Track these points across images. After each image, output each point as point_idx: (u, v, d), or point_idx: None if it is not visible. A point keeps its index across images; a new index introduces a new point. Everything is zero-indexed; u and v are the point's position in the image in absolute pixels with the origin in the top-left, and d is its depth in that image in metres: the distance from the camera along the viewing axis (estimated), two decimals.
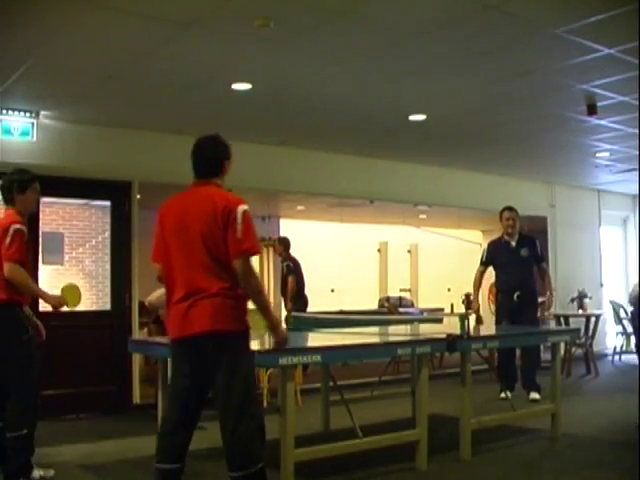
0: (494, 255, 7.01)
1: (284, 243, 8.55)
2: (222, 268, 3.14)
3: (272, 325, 3.34)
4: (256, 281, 3.21)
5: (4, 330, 4.00)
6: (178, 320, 3.18)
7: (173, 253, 3.24)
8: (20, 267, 3.96)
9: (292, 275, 8.30)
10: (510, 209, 6.96)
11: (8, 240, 3.93)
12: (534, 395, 6.58)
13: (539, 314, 7.20)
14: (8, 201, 4.21)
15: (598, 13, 4.19)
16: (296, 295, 8.31)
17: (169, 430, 3.25)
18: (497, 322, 6.90)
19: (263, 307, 3.22)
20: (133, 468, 4.54)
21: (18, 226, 3.99)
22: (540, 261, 6.95)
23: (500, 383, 6.51)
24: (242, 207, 3.20)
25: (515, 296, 6.70)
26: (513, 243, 6.87)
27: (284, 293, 8.52)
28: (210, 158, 3.43)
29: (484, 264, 7.10)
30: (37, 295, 4.25)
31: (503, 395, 6.33)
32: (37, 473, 4.03)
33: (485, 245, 7.44)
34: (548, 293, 6.92)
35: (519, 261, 6.77)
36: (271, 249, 11.97)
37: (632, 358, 9.82)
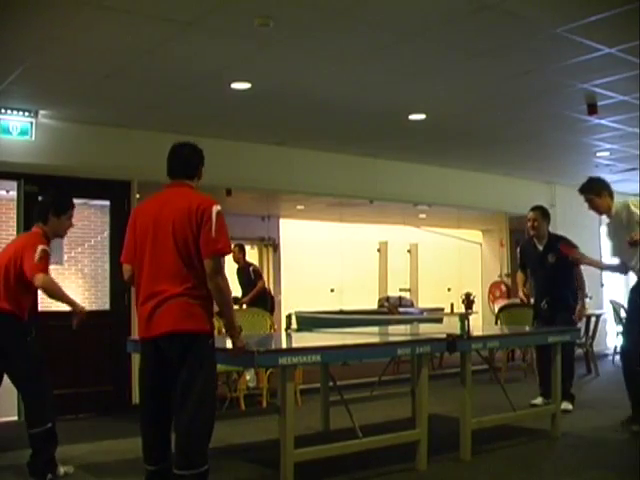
0: (525, 256, 6.47)
1: (243, 250, 8.65)
2: (190, 268, 3.18)
3: (231, 328, 3.32)
4: (224, 282, 3.22)
5: (10, 335, 4.12)
6: (144, 320, 3.22)
7: (143, 254, 3.28)
8: (50, 276, 4.12)
9: (261, 279, 8.57)
10: (534, 209, 6.32)
11: (37, 256, 4.01)
12: (566, 405, 5.95)
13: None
14: (40, 220, 4.26)
15: (598, 12, 4.19)
16: (260, 297, 8.40)
17: (145, 431, 3.33)
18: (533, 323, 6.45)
19: (227, 308, 3.25)
20: (132, 468, 4.53)
21: (45, 247, 4.10)
22: (573, 264, 6.07)
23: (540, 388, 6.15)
24: (216, 207, 3.25)
25: (543, 303, 6.19)
26: (540, 247, 6.24)
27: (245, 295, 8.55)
28: (188, 160, 3.55)
29: (523, 268, 6.49)
30: (69, 302, 4.30)
31: (535, 401, 6.15)
32: (62, 469, 4.19)
33: (518, 248, 6.80)
34: (579, 305, 6.24)
35: (546, 267, 6.14)
36: (271, 249, 12.00)
37: None
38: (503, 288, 11.75)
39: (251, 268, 8.56)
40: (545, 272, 6.17)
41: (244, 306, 8.18)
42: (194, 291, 3.18)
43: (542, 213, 6.30)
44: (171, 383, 3.20)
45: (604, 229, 5.74)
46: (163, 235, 3.23)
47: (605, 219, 5.64)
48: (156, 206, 3.39)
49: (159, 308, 3.17)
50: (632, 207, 5.10)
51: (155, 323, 3.17)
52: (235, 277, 8.39)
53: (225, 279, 3.24)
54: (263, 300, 8.40)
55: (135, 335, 6.57)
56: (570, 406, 6.04)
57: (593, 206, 5.48)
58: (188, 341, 3.16)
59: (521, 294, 6.37)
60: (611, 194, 5.40)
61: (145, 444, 3.32)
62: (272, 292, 8.75)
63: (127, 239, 3.42)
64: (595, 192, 5.40)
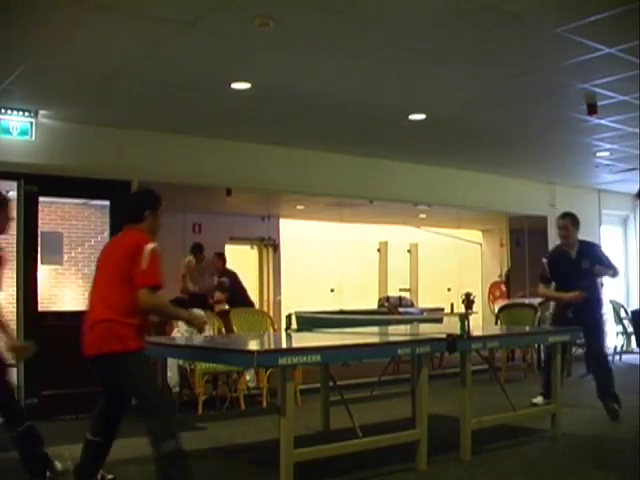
0: (553, 265, 6.12)
1: (223, 258, 8.68)
2: (121, 297, 3.59)
3: (186, 319, 3.99)
4: (157, 304, 3.67)
5: None
6: (82, 341, 3.68)
7: (95, 283, 3.80)
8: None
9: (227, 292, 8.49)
10: (563, 216, 6.12)
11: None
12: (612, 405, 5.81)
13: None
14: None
15: (598, 12, 4.19)
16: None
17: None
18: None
19: (169, 316, 4.05)
20: (132, 468, 4.53)
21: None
22: (609, 267, 6.04)
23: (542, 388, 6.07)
24: (151, 245, 3.62)
25: (569, 312, 5.92)
26: (573, 254, 6.01)
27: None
28: (132, 209, 3.90)
29: (548, 281, 6.15)
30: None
31: (536, 400, 6.11)
32: (59, 465, 4.19)
33: (544, 259, 6.33)
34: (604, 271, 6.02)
35: (579, 274, 5.87)
36: (270, 249, 11.98)
37: (632, 358, 9.82)
38: (503, 288, 11.74)
39: (222, 279, 8.48)
40: (576, 280, 5.88)
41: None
42: (120, 317, 3.58)
43: (572, 220, 6.10)
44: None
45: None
46: (106, 269, 3.74)
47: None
48: (109, 245, 4.01)
49: (90, 331, 3.64)
50: None
51: (87, 345, 3.65)
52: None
53: (156, 304, 3.65)
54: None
55: None
56: (616, 406, 5.81)
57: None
58: (109, 361, 3.61)
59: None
60: None
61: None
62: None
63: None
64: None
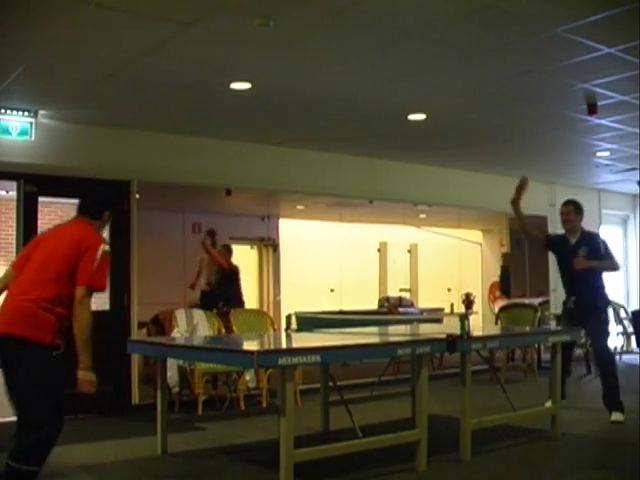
0: (553, 244, 6.36)
1: (230, 251, 8.62)
2: (58, 285, 3.40)
3: (84, 361, 3.49)
4: (88, 313, 3.44)
5: None
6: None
7: (26, 263, 3.54)
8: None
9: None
10: (566, 203, 6.25)
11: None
12: (615, 416, 5.64)
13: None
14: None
15: (598, 12, 4.19)
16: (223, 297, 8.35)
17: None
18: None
19: (82, 339, 3.44)
20: (132, 468, 4.54)
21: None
22: (606, 258, 6.03)
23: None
24: (106, 247, 3.52)
25: (571, 302, 6.00)
26: (573, 240, 6.09)
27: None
28: (93, 203, 3.81)
29: (545, 240, 6.45)
30: None
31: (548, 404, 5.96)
32: None
33: (546, 237, 6.69)
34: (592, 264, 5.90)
35: (574, 260, 5.90)
36: (270, 249, 11.98)
37: (632, 358, 9.83)
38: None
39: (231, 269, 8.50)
40: (574, 267, 5.89)
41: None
42: (48, 304, 3.38)
43: (575, 207, 6.19)
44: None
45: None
46: (45, 250, 3.53)
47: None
48: (56, 227, 3.79)
49: (9, 307, 3.44)
50: None
51: (6, 321, 3.39)
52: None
53: (85, 310, 3.43)
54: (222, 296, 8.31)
55: (135, 335, 6.63)
56: (621, 417, 5.64)
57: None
58: (19, 344, 3.33)
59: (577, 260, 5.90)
60: None
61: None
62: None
63: (22, 252, 3.74)
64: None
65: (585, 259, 5.85)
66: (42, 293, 3.38)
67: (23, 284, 3.45)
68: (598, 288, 6.03)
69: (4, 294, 3.59)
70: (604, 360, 5.91)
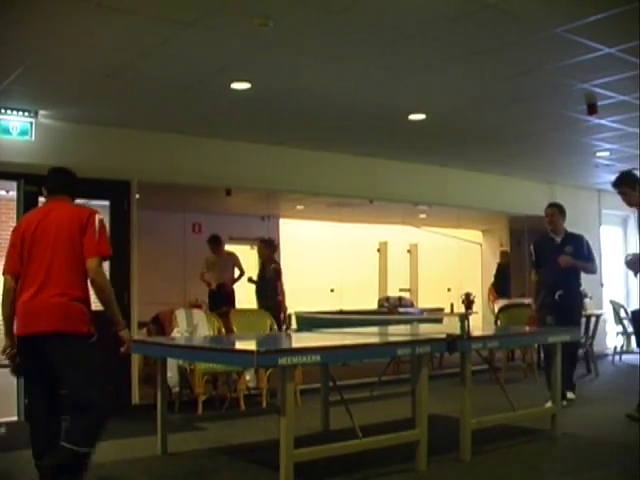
0: (539, 251, 6.69)
1: (270, 247, 8.51)
2: (70, 270, 3.51)
3: (115, 322, 3.69)
4: (104, 280, 3.60)
5: None
6: (24, 317, 3.51)
7: (27, 258, 3.57)
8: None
9: (279, 280, 8.34)
10: (551, 205, 6.71)
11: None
12: (571, 395, 6.39)
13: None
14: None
15: (598, 12, 4.19)
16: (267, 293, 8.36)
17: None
18: (540, 320, 6.53)
19: (108, 304, 3.60)
20: (132, 468, 4.54)
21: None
22: (588, 260, 6.51)
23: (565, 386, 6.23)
24: (99, 216, 3.63)
25: (557, 295, 6.33)
26: (558, 240, 6.53)
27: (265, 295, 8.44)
28: (69, 182, 3.88)
29: (537, 267, 6.65)
30: None
31: (566, 400, 6.22)
32: None
33: (531, 246, 6.97)
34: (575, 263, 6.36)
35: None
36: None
37: (632, 358, 9.82)
38: None
39: (272, 266, 8.44)
40: (560, 265, 6.28)
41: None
42: (71, 291, 3.49)
43: (559, 209, 6.64)
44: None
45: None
46: (46, 240, 3.54)
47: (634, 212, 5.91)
48: (39, 216, 3.71)
49: (41, 306, 3.47)
50: None
51: (37, 320, 3.46)
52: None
53: (105, 278, 3.59)
54: (266, 293, 8.30)
55: (135, 335, 6.63)
56: (573, 395, 6.36)
57: (625, 199, 5.78)
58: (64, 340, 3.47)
59: (532, 300, 6.63)
60: None
61: None
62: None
63: (11, 252, 3.67)
64: (629, 185, 5.66)
65: (571, 257, 6.29)
66: (65, 285, 3.46)
67: (42, 282, 3.48)
68: (577, 285, 6.55)
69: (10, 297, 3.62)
70: (573, 348, 6.30)
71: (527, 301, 8.73)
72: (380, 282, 13.63)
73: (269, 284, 8.31)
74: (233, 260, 8.94)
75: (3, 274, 3.67)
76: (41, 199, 6.38)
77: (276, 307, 8.06)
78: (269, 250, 8.45)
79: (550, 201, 7.14)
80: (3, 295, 3.64)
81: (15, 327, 3.56)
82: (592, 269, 6.66)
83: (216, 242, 8.93)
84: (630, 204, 5.82)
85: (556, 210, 6.62)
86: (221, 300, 8.47)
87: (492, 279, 11.99)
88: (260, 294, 8.43)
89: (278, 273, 8.34)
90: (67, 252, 3.52)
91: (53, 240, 3.54)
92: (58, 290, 3.46)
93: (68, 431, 3.49)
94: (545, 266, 6.54)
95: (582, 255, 6.45)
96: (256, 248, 8.74)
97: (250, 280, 8.67)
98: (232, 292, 8.90)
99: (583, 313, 7.80)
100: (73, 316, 3.48)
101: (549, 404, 5.87)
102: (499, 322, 8.32)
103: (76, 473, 3.49)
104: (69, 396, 3.53)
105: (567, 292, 6.35)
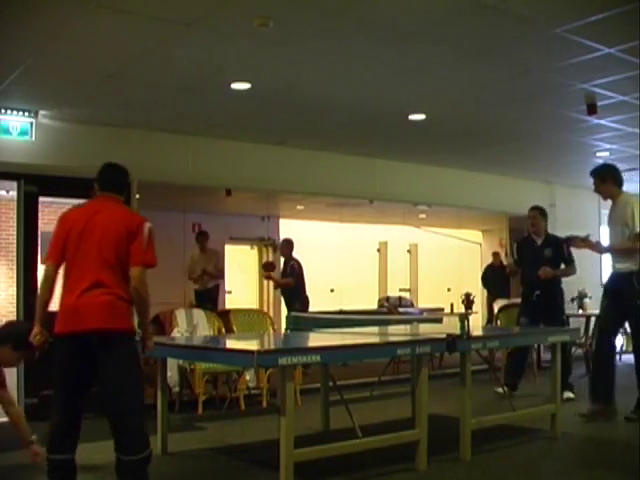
0: (520, 251, 6.91)
1: (291, 245, 8.69)
2: (119, 272, 3.46)
3: (149, 332, 3.70)
4: (146, 291, 3.50)
5: None
6: (69, 315, 3.43)
7: (73, 254, 3.49)
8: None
9: (292, 277, 8.48)
10: (533, 208, 6.88)
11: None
12: (566, 394, 6.50)
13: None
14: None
15: (598, 12, 4.19)
16: (291, 293, 8.47)
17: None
18: (517, 320, 6.90)
19: (144, 315, 3.56)
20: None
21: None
22: (568, 262, 6.66)
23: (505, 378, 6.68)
24: (149, 224, 3.56)
25: (534, 295, 6.59)
26: (538, 242, 6.73)
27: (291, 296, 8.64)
28: (117, 178, 3.89)
29: (518, 263, 6.91)
30: None
31: (498, 389, 6.49)
32: None
33: (514, 244, 7.30)
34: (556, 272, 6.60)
35: (542, 260, 6.55)
36: (270, 249, 12.00)
37: (632, 358, 9.80)
38: None
39: (290, 263, 8.55)
40: (539, 266, 6.50)
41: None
42: (117, 291, 3.44)
43: (540, 212, 6.87)
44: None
45: (604, 229, 5.87)
46: (94, 239, 3.47)
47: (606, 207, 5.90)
48: (89, 212, 3.64)
49: (89, 304, 3.40)
50: (634, 204, 5.46)
51: (84, 318, 3.38)
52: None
53: (146, 288, 3.51)
54: (300, 300, 8.42)
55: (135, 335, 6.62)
56: (571, 394, 6.58)
57: (597, 190, 5.81)
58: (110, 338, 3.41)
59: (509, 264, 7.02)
60: (617, 182, 5.67)
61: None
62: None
63: (55, 242, 3.60)
64: (600, 178, 5.70)
65: (550, 267, 6.49)
66: (111, 285, 3.42)
67: (88, 280, 3.42)
68: (557, 284, 6.72)
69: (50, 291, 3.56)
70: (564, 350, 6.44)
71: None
72: (380, 282, 13.64)
73: (294, 284, 8.46)
74: (215, 257, 8.93)
75: (45, 263, 3.61)
76: (41, 199, 6.40)
77: (304, 304, 8.38)
78: (289, 249, 8.61)
79: (549, 202, 7.23)
80: (43, 282, 3.55)
81: (57, 325, 3.48)
82: (572, 272, 6.78)
83: (204, 238, 8.93)
84: (602, 196, 5.89)
85: (537, 213, 6.83)
86: (205, 298, 8.48)
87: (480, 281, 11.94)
88: (287, 296, 8.62)
89: (300, 269, 8.52)
90: (113, 254, 3.45)
91: (100, 240, 3.46)
92: (105, 289, 3.41)
93: (121, 443, 3.43)
94: (525, 267, 6.79)
95: (562, 257, 6.63)
96: (279, 247, 8.97)
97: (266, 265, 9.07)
98: (216, 291, 8.92)
99: (582, 312, 8.33)
100: (120, 313, 3.43)
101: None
102: (499, 322, 8.32)
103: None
104: (106, 395, 3.49)
105: (545, 291, 6.55)
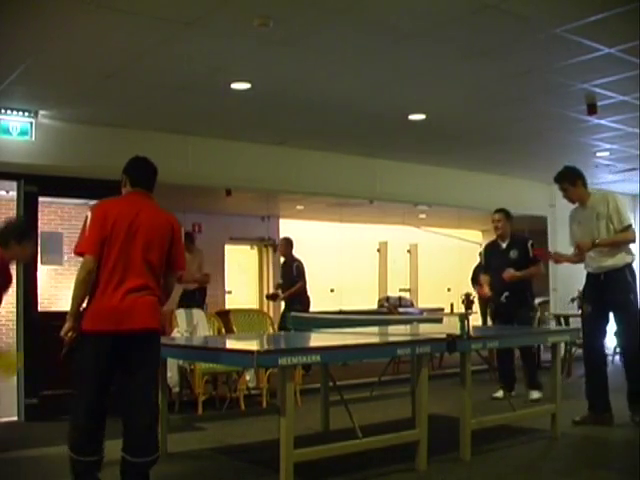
0: (488, 256, 7.02)
1: (291, 244, 8.71)
2: (160, 274, 3.54)
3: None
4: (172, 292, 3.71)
5: None
6: (109, 314, 3.37)
7: (117, 253, 3.41)
8: None
9: (303, 279, 8.55)
10: (498, 211, 6.93)
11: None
12: (533, 394, 6.62)
13: (538, 314, 7.15)
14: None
15: (598, 12, 4.19)
16: (298, 297, 8.52)
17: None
18: (492, 321, 7.10)
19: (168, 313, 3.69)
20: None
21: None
22: (533, 262, 6.68)
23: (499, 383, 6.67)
24: (182, 228, 3.74)
25: (503, 297, 6.69)
26: (504, 245, 6.82)
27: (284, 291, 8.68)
28: (150, 175, 3.87)
29: (486, 271, 7.00)
30: None
31: (497, 395, 6.57)
32: None
33: (482, 249, 7.44)
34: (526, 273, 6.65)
35: (508, 263, 6.65)
36: (270, 249, 12.01)
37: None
38: None
39: (295, 264, 8.55)
40: (505, 268, 6.61)
41: (282, 302, 8.63)
42: (158, 292, 3.51)
43: (505, 215, 6.91)
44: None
45: (568, 218, 5.84)
46: (139, 239, 3.46)
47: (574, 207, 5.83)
48: (133, 211, 3.55)
49: (136, 304, 3.40)
50: (616, 198, 5.51)
51: (131, 317, 3.37)
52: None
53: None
54: (300, 300, 8.46)
55: None
56: (538, 394, 6.62)
57: (567, 195, 5.72)
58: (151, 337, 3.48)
59: (486, 290, 6.88)
60: (585, 184, 5.68)
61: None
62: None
63: (94, 234, 3.44)
64: (570, 181, 5.65)
65: (514, 270, 6.56)
66: (152, 285, 3.46)
67: (134, 280, 3.40)
68: (526, 284, 6.81)
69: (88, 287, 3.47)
70: (527, 347, 6.76)
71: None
72: (380, 282, 13.65)
73: (295, 283, 8.49)
74: (199, 257, 8.87)
75: (84, 254, 3.41)
76: (41, 199, 6.40)
77: (304, 304, 8.40)
78: (289, 248, 8.63)
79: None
80: (84, 276, 3.36)
81: (91, 323, 3.38)
82: (538, 272, 6.84)
83: (190, 239, 8.86)
84: (571, 200, 5.75)
85: (502, 216, 6.86)
86: (191, 299, 8.40)
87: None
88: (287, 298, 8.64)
89: (302, 270, 8.54)
90: (156, 258, 3.48)
91: (145, 242, 3.46)
92: (148, 291, 3.44)
93: (135, 445, 3.41)
94: (493, 271, 6.83)
95: (527, 258, 6.66)
96: (278, 247, 8.97)
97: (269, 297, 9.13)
98: (203, 291, 8.86)
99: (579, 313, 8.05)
100: (158, 315, 3.51)
101: (499, 394, 6.37)
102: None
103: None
104: (134, 394, 3.43)
105: (513, 293, 6.64)
